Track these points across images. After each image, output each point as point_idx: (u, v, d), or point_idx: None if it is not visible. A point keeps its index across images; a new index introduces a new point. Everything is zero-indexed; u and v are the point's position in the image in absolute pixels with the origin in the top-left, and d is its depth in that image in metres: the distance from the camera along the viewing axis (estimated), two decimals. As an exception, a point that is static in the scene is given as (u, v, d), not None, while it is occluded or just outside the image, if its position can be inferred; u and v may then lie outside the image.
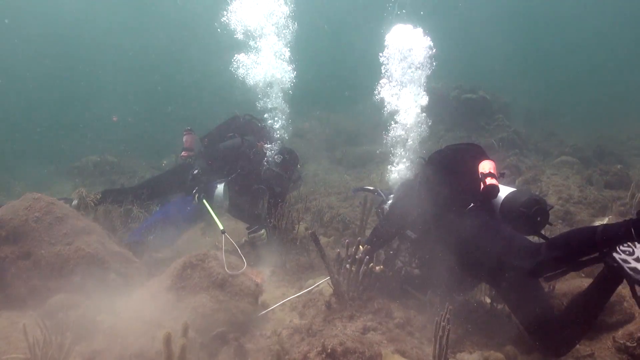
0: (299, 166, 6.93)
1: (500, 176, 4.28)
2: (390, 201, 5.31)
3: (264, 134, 6.83)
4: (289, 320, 4.03)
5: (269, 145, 6.54)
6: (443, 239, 4.11)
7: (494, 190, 4.01)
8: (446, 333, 2.46)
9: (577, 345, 3.82)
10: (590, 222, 7.39)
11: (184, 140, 7.03)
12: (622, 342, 3.58)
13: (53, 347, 2.97)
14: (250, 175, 6.48)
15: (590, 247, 3.41)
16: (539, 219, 3.93)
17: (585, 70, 37.37)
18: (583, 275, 4.81)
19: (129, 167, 13.54)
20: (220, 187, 6.19)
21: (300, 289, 4.72)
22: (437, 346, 2.50)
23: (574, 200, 8.23)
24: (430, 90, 18.81)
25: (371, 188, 5.54)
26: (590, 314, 3.42)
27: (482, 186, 4.04)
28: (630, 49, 41.29)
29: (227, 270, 4.18)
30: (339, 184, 10.53)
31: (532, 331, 3.52)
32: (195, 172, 6.46)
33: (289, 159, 6.57)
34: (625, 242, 3.29)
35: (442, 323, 2.53)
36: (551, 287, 4.34)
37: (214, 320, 3.75)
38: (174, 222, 6.03)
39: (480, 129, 15.51)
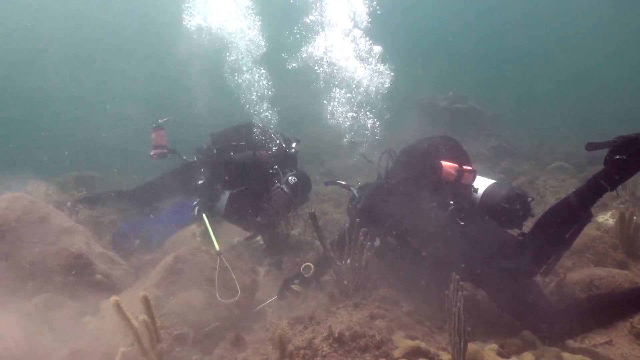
0: (309, 195, 6.42)
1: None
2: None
3: (280, 153, 6.35)
4: (289, 312, 3.77)
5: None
6: (429, 244, 3.82)
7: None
8: (461, 302, 2.24)
9: (593, 335, 3.64)
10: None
11: (152, 137, 6.46)
12: (640, 327, 3.39)
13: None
14: (257, 191, 6.07)
15: (571, 218, 3.30)
16: (521, 213, 3.76)
17: (570, 80, 37.83)
18: (592, 265, 4.68)
19: (113, 181, 13.12)
20: (224, 198, 5.87)
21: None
22: (455, 320, 2.28)
23: (572, 199, 8.04)
24: (419, 102, 18.95)
25: (343, 183, 5.33)
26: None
27: (463, 178, 3.89)
28: (612, 54, 42.03)
29: (219, 298, 3.82)
30: (331, 192, 10.33)
31: (535, 328, 3.35)
32: (200, 182, 6.04)
33: (303, 184, 6.06)
34: (600, 197, 3.21)
35: (457, 293, 2.30)
36: (563, 276, 4.16)
37: (208, 315, 3.51)
38: (167, 226, 5.77)
39: (471, 138, 15.41)
